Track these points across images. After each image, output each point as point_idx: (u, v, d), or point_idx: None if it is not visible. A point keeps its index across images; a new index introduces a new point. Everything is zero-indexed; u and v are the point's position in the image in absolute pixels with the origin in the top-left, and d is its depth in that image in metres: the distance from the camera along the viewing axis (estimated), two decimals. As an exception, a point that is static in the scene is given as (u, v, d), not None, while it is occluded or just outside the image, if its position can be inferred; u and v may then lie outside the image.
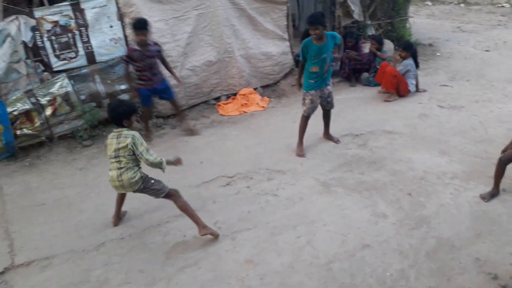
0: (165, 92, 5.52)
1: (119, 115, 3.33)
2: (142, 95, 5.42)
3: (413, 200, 3.92)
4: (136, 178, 3.36)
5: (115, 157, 3.32)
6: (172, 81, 5.63)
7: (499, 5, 14.14)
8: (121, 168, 3.32)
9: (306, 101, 4.86)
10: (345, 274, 3.10)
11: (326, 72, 4.75)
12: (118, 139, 3.31)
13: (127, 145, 3.26)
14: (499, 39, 9.93)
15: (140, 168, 3.44)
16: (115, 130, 3.38)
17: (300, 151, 4.94)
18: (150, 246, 3.54)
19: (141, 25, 5.00)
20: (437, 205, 3.83)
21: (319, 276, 3.10)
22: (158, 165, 3.37)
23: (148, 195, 3.50)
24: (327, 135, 5.29)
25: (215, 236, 3.53)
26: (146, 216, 3.96)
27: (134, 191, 3.45)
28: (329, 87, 4.89)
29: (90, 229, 3.84)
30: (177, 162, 3.58)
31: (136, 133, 3.34)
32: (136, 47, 5.14)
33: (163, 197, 3.48)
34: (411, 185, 4.15)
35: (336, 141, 5.18)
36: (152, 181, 3.43)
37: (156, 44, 5.32)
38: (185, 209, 3.51)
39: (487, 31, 10.93)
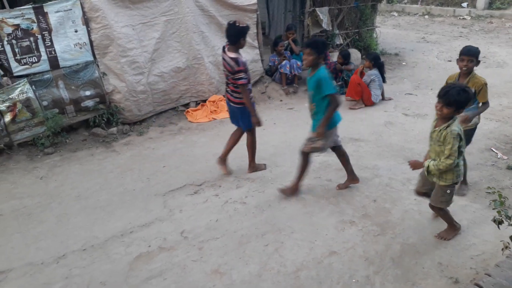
0: None
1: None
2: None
3: (378, 206, 3.98)
4: None
5: None
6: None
7: (461, 17, 14.75)
8: None
9: None
10: (313, 282, 3.09)
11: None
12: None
13: None
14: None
15: None
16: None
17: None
18: (113, 257, 3.42)
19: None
20: (401, 211, 3.90)
21: (287, 284, 3.08)
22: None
23: None
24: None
25: None
26: (109, 226, 3.84)
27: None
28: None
29: (50, 240, 3.68)
30: None
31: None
32: (241, 57, 4.17)
33: None
34: (376, 192, 4.22)
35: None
36: None
37: None
38: None
39: (450, 42, 11.37)
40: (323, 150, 4.05)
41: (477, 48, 3.82)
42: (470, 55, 3.77)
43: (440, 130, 3.04)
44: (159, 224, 3.84)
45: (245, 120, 4.42)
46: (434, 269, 3.16)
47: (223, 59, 4.26)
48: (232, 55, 4.12)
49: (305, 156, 4.09)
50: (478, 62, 3.82)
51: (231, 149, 4.72)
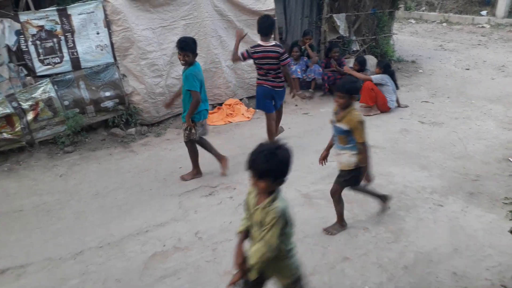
0: None
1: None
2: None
3: (392, 213, 3.97)
4: None
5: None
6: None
7: (480, 25, 14.58)
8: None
9: None
10: (325, 287, 3.10)
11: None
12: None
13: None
14: (479, 58, 10.23)
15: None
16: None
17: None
18: (129, 255, 3.49)
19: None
20: (416, 219, 3.89)
21: (299, 288, 3.10)
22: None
23: None
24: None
25: None
26: (126, 225, 3.92)
27: None
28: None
29: (68, 237, 3.77)
30: None
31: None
32: (278, 42, 5.08)
33: None
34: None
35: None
36: None
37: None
38: None
39: (468, 50, 11.25)
40: (195, 136, 4.57)
41: (354, 83, 3.45)
42: (339, 91, 3.37)
43: (265, 208, 2.14)
44: (174, 224, 3.90)
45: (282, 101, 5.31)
46: (449, 279, 3.14)
47: (262, 52, 4.80)
48: (272, 43, 4.80)
49: (188, 144, 4.65)
50: (352, 98, 3.36)
51: (278, 125, 5.59)
